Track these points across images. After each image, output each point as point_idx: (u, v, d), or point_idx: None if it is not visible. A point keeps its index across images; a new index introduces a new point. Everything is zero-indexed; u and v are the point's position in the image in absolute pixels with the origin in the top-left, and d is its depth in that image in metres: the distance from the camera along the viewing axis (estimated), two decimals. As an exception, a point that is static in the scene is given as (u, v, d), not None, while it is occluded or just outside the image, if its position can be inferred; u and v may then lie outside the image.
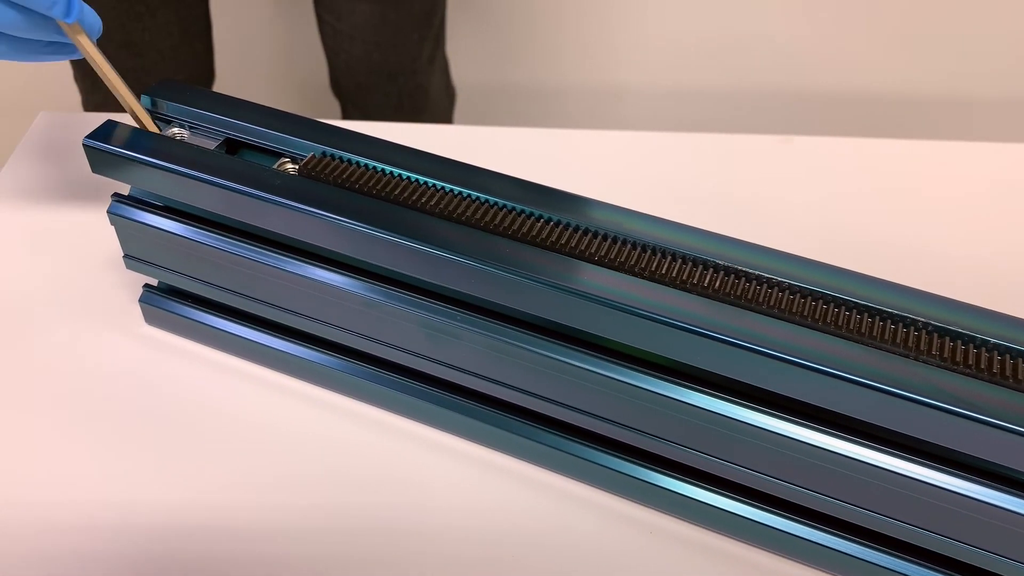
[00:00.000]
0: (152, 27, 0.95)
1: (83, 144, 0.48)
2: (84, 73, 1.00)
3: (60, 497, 0.48)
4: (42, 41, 0.49)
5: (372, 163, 0.46)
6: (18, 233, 0.62)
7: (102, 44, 0.94)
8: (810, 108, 1.49)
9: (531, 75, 1.49)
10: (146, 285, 0.55)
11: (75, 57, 0.50)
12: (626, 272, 0.41)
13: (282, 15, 1.37)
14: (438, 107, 1.15)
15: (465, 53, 1.36)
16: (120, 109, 1.02)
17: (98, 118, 0.69)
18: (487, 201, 0.44)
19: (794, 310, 0.39)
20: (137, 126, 0.49)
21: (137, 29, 0.94)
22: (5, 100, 1.45)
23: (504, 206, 0.44)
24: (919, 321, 0.39)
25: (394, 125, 0.71)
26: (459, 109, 1.22)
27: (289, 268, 0.47)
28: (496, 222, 0.43)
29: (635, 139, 0.73)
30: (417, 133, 0.71)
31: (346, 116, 1.16)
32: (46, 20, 0.47)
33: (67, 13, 0.46)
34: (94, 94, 1.02)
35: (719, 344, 0.38)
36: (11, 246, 0.61)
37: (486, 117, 1.49)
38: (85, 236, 0.62)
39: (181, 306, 0.54)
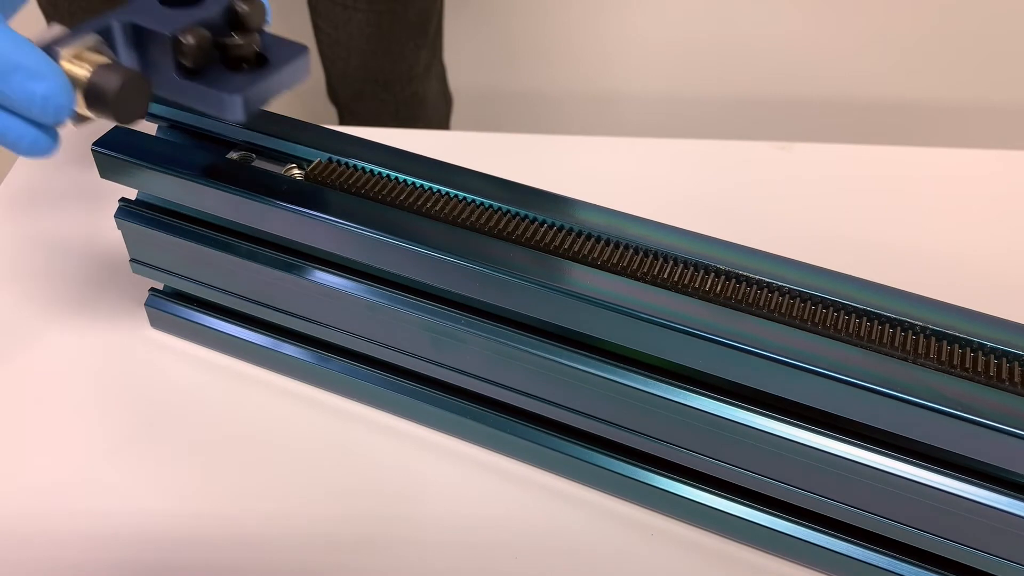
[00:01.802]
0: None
1: (91, 149, 0.48)
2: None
3: (62, 503, 0.48)
4: None
5: (377, 168, 0.47)
6: (25, 237, 0.63)
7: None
8: (809, 115, 1.50)
9: (528, 81, 1.50)
10: (152, 289, 0.56)
11: None
12: (627, 276, 0.42)
13: (278, 23, 1.37)
14: (435, 114, 1.16)
15: (462, 60, 1.36)
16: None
17: (104, 124, 0.69)
18: (491, 206, 0.45)
19: (792, 314, 0.40)
20: None
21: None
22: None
23: (508, 211, 0.45)
24: (917, 325, 0.39)
25: (392, 131, 0.72)
26: (456, 115, 1.23)
27: (295, 272, 0.48)
28: (500, 227, 0.44)
29: (633, 145, 0.74)
30: (415, 139, 0.72)
31: (343, 123, 1.16)
32: None
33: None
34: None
35: (718, 347, 0.39)
36: (18, 249, 0.62)
37: (483, 123, 1.49)
38: (91, 240, 0.62)
39: (187, 310, 0.54)
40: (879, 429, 0.38)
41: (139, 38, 0.40)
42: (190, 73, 0.41)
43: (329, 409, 0.53)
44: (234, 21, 0.42)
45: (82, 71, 0.37)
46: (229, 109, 0.41)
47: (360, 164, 0.47)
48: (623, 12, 1.41)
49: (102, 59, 0.38)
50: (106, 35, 0.40)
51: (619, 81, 1.50)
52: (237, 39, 0.41)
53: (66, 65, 0.37)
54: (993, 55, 1.43)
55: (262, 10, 0.43)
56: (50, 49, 0.37)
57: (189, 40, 0.39)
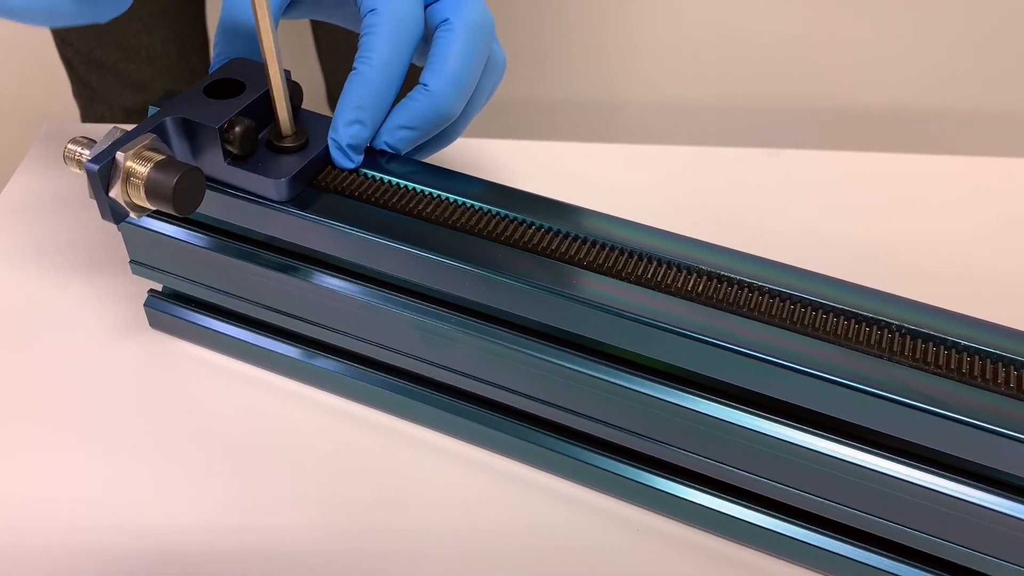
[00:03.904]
0: (148, 44, 0.96)
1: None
2: (82, 88, 1.02)
3: (59, 510, 0.48)
4: None
5: (375, 173, 0.48)
6: (26, 239, 0.64)
7: (98, 57, 0.95)
8: (796, 121, 1.51)
9: (523, 89, 1.51)
10: (151, 290, 0.57)
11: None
12: (614, 276, 0.43)
13: (278, 32, 1.38)
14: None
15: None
16: (120, 120, 1.03)
17: (102, 128, 0.70)
18: (479, 208, 0.46)
19: (772, 313, 0.41)
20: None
21: (132, 45, 0.96)
22: (2, 114, 1.47)
23: (498, 214, 0.46)
24: (892, 324, 0.40)
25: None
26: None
27: (293, 274, 0.49)
28: (490, 229, 0.45)
29: (625, 152, 0.75)
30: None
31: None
32: None
33: None
34: (91, 108, 1.03)
35: (700, 345, 0.40)
36: (19, 251, 0.63)
37: (482, 130, 1.50)
38: (91, 243, 0.63)
39: (185, 310, 0.55)
40: (854, 424, 0.39)
41: (189, 130, 0.44)
42: (237, 159, 0.45)
43: (324, 407, 0.54)
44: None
45: (142, 168, 0.40)
46: (275, 192, 0.45)
47: (359, 169, 0.48)
48: (615, 20, 1.42)
49: (159, 156, 0.41)
50: (160, 131, 0.43)
51: (612, 89, 1.51)
52: (278, 127, 0.46)
53: (128, 164, 0.40)
54: (983, 62, 1.44)
55: (299, 91, 0.47)
56: (111, 151, 0.40)
57: (234, 130, 0.44)
